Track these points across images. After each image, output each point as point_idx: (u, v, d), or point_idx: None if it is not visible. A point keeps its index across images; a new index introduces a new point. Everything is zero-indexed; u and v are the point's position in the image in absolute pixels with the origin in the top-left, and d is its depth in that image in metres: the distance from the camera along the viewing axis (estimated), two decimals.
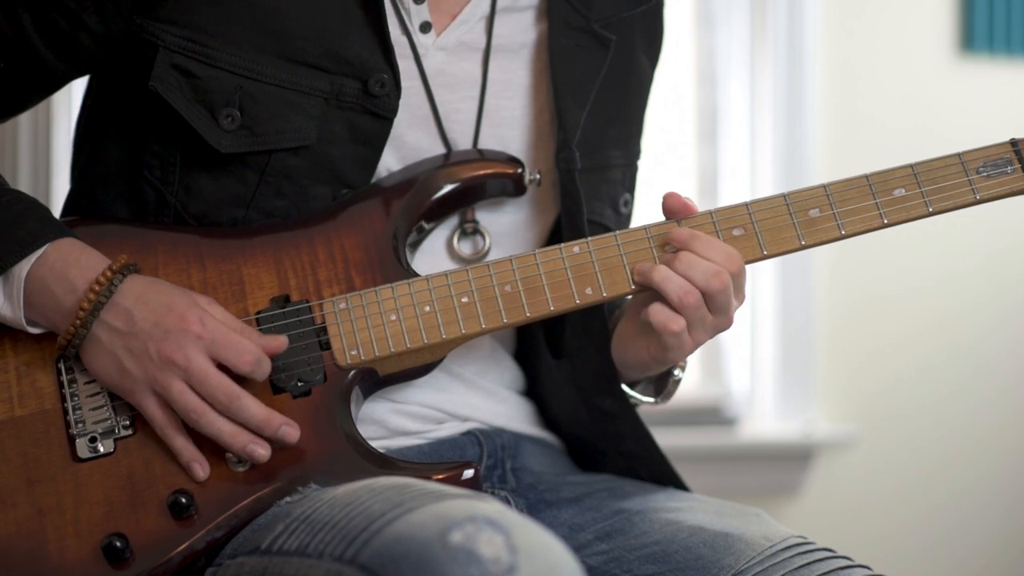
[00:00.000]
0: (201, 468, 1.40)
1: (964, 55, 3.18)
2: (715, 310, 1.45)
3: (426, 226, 1.54)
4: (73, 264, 1.42)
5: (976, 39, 3.16)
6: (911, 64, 3.18)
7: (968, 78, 3.19)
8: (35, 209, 1.46)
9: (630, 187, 1.69)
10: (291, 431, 1.39)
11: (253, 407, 1.38)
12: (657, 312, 1.44)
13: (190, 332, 1.38)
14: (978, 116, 3.15)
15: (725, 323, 1.47)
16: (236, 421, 1.38)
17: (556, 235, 1.60)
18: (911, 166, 1.49)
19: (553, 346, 1.62)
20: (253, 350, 1.39)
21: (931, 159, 1.49)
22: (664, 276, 1.44)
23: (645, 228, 1.48)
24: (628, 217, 1.68)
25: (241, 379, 1.40)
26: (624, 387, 1.62)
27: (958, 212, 1.51)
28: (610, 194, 1.64)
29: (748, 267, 1.48)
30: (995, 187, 1.49)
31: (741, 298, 1.48)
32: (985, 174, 1.49)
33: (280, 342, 1.41)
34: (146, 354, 1.39)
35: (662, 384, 1.61)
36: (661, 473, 1.64)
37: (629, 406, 1.62)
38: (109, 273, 1.41)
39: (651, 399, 1.63)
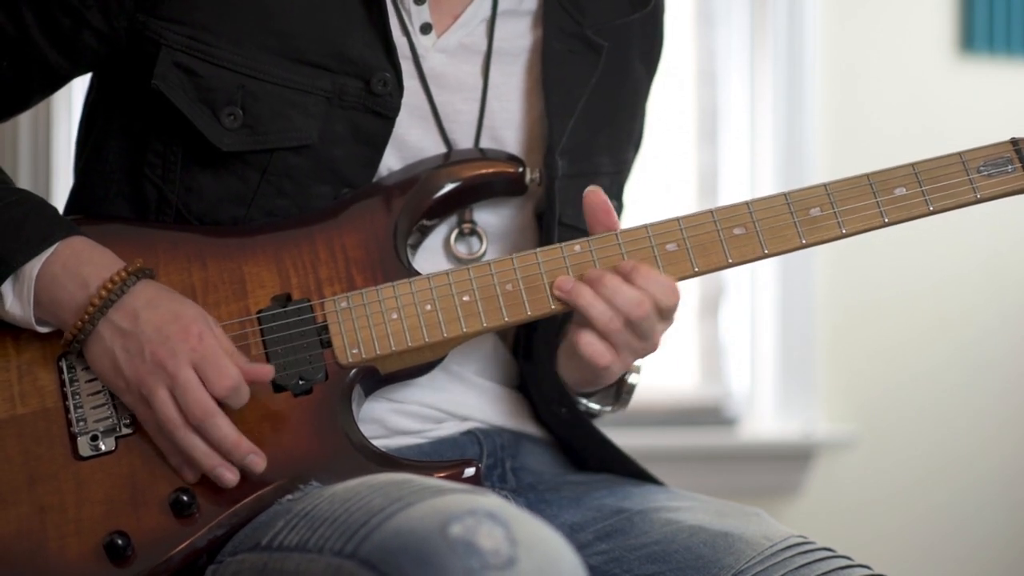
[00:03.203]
0: (191, 471, 1.40)
1: (964, 55, 3.18)
2: (639, 336, 1.45)
3: (428, 223, 1.54)
4: (87, 261, 1.42)
5: (976, 39, 3.17)
6: (911, 64, 3.18)
7: (968, 78, 3.19)
8: (44, 209, 1.46)
9: (617, 194, 1.68)
10: (258, 460, 1.39)
11: (225, 428, 1.38)
12: (587, 345, 1.43)
13: (188, 342, 1.38)
14: (978, 116, 3.15)
15: (650, 348, 1.47)
16: (208, 440, 1.38)
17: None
18: (912, 165, 1.49)
19: (526, 350, 1.61)
20: (235, 375, 1.38)
21: (932, 158, 1.49)
22: (589, 302, 1.43)
23: (646, 227, 1.48)
24: None
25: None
26: (583, 398, 1.61)
27: (958, 213, 1.51)
28: None
29: (748, 266, 1.48)
30: (996, 186, 1.49)
31: (668, 324, 1.47)
32: (986, 173, 1.49)
33: (266, 371, 1.41)
34: (140, 355, 1.38)
35: (618, 391, 1.60)
36: (634, 474, 1.64)
37: (582, 417, 1.62)
38: (124, 274, 1.41)
39: (608, 407, 1.62)
